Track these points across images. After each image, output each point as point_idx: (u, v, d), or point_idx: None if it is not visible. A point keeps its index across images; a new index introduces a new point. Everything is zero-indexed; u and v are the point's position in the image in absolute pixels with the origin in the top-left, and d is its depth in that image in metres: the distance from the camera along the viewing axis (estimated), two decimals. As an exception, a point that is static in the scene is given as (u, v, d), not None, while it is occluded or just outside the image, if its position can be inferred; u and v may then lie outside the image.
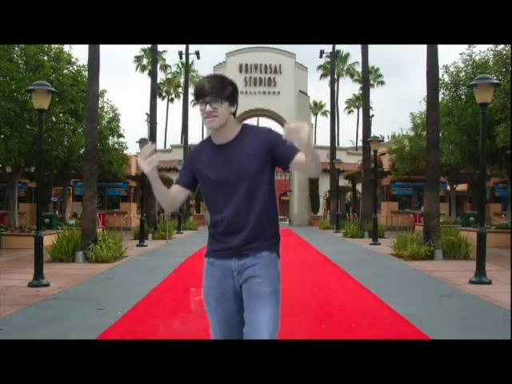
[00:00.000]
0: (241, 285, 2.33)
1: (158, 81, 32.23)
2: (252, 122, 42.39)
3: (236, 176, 2.33)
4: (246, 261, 2.34)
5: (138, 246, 16.40)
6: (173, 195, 2.50)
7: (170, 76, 55.73)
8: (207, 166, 2.40)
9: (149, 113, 23.55)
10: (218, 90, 2.29)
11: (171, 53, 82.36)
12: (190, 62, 36.13)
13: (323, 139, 70.15)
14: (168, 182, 34.45)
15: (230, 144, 2.38)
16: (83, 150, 15.00)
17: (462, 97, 18.32)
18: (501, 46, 15.67)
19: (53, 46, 16.88)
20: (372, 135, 20.62)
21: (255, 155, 2.32)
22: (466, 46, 17.48)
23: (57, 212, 27.36)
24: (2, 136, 15.45)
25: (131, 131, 34.05)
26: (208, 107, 2.28)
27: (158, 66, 34.75)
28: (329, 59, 38.57)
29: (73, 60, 17.94)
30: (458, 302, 7.22)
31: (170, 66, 55.49)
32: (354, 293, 7.91)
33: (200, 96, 2.31)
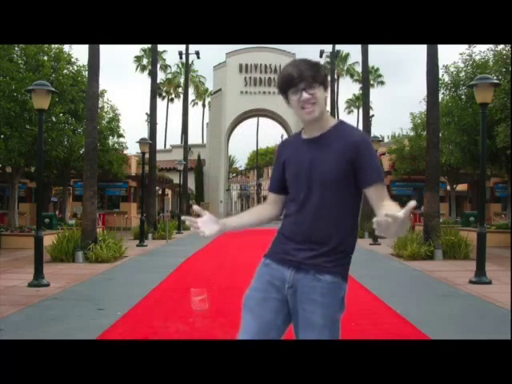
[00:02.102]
0: (288, 300, 2.04)
1: (158, 81, 32.23)
2: (252, 122, 42.52)
3: (313, 176, 2.07)
4: (302, 277, 2.04)
5: (138, 246, 16.40)
6: (264, 216, 2.27)
7: (170, 76, 55.73)
8: (289, 161, 2.18)
9: (149, 113, 23.55)
10: (312, 73, 2.02)
11: (171, 53, 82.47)
12: (190, 62, 36.11)
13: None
14: (168, 182, 34.47)
15: (317, 139, 2.12)
16: (83, 150, 14.99)
17: (462, 97, 18.31)
18: (501, 46, 15.66)
19: (53, 46, 16.87)
20: (372, 135, 20.61)
21: (338, 159, 2.04)
22: (466, 45, 17.48)
23: (57, 212, 27.35)
24: (2, 136, 15.44)
25: (131, 131, 34.08)
26: (304, 94, 2.01)
27: (158, 66, 34.74)
28: (329, 59, 38.55)
29: (73, 60, 17.94)
30: (458, 302, 7.22)
31: (170, 66, 55.53)
32: (354, 293, 7.91)
33: (290, 85, 2.03)
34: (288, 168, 2.17)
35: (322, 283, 2.01)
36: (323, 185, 2.05)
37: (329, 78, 2.11)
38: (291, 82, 2.00)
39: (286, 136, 35.98)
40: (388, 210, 1.78)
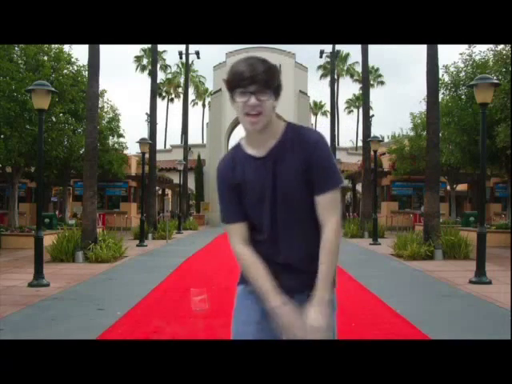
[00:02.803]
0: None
1: (158, 81, 32.24)
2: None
3: (278, 196, 1.86)
4: (297, 300, 1.87)
5: (138, 246, 16.40)
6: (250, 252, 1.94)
7: (170, 76, 55.76)
8: (245, 184, 1.89)
9: (149, 113, 23.55)
10: (267, 77, 1.78)
11: (171, 53, 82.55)
12: (190, 62, 36.13)
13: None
14: (168, 182, 34.49)
15: (271, 154, 1.87)
16: (83, 150, 15.00)
17: (462, 97, 18.31)
18: (501, 46, 15.67)
19: (53, 46, 16.88)
20: (372, 135, 20.62)
21: (299, 169, 1.84)
22: (466, 46, 17.49)
23: (57, 212, 27.37)
24: (2, 136, 15.45)
25: (131, 131, 34.13)
26: (252, 99, 1.76)
27: (158, 66, 34.75)
28: (329, 59, 38.55)
29: (73, 60, 17.96)
30: (458, 302, 7.22)
31: (170, 66, 55.57)
32: (354, 293, 7.91)
33: (239, 84, 1.78)
34: (245, 192, 1.89)
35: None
36: (291, 203, 1.86)
37: (282, 87, 1.88)
38: (241, 81, 1.77)
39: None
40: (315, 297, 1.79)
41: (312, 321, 1.75)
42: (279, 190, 1.85)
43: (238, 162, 1.91)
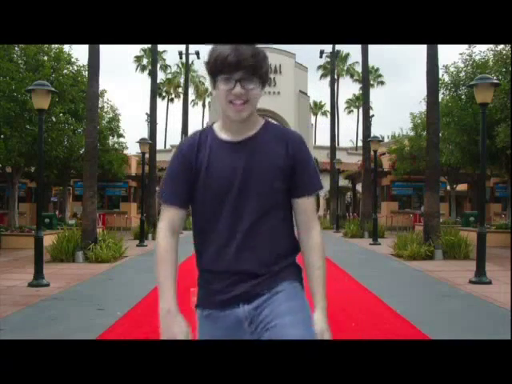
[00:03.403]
0: (253, 334, 1.71)
1: (158, 81, 32.22)
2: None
3: (248, 188, 1.69)
4: (260, 302, 1.69)
5: (138, 246, 16.40)
6: (176, 257, 1.85)
7: (170, 76, 55.76)
8: (211, 168, 1.70)
9: (149, 113, 23.55)
10: (255, 63, 1.63)
11: (171, 53, 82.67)
12: (190, 62, 36.12)
13: (323, 139, 70.20)
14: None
15: (247, 142, 1.72)
16: (83, 150, 15.01)
17: (462, 97, 18.32)
18: (501, 46, 15.67)
19: (53, 46, 16.89)
20: (372, 135, 20.63)
21: (276, 165, 1.71)
22: (466, 46, 17.50)
23: (57, 212, 27.36)
24: (2, 136, 15.46)
25: (131, 131, 34.11)
26: (238, 88, 1.62)
27: (158, 66, 34.73)
28: (329, 59, 38.55)
29: (73, 60, 17.97)
30: (458, 302, 7.22)
31: (170, 66, 55.58)
32: (354, 293, 7.91)
33: (223, 70, 1.62)
34: (208, 178, 1.70)
35: (282, 292, 1.70)
36: (262, 198, 1.69)
37: (269, 74, 1.75)
38: (225, 67, 1.60)
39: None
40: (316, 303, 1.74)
41: (320, 331, 1.70)
42: (250, 181, 1.68)
43: (204, 145, 1.73)
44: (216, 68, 1.64)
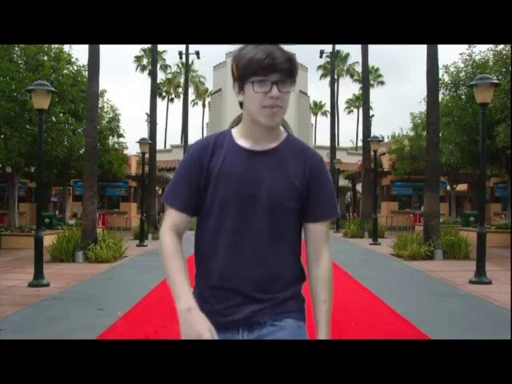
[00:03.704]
0: None
1: (158, 81, 32.25)
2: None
3: (261, 200, 1.58)
4: (260, 333, 1.61)
5: (138, 246, 16.41)
6: (179, 248, 1.67)
7: (170, 76, 55.76)
8: (223, 175, 1.59)
9: (149, 113, 23.56)
10: (290, 66, 1.58)
11: (171, 53, 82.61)
12: (190, 62, 36.13)
13: (323, 139, 70.24)
14: (168, 182, 34.84)
15: (266, 153, 1.61)
16: (83, 150, 15.01)
17: (462, 97, 18.33)
18: (501, 46, 15.68)
19: (53, 46, 16.89)
20: (372, 135, 20.63)
21: (295, 183, 1.60)
22: (466, 45, 17.51)
23: (57, 212, 27.36)
24: (2, 136, 15.46)
25: (131, 131, 34.12)
26: (275, 90, 1.52)
27: (158, 66, 34.76)
28: (329, 59, 38.55)
29: (73, 60, 17.97)
30: (458, 302, 7.22)
31: (170, 66, 55.57)
32: (354, 293, 7.91)
33: (257, 72, 1.52)
34: (218, 186, 1.59)
35: (286, 331, 1.61)
36: (271, 217, 1.58)
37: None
38: (261, 68, 1.51)
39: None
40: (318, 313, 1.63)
41: None
42: (263, 196, 1.57)
43: (220, 149, 1.62)
44: (250, 70, 1.53)
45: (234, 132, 1.66)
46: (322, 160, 1.67)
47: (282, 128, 1.67)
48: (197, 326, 1.51)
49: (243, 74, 1.55)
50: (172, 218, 1.66)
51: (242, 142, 1.62)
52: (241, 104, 1.63)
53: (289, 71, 1.56)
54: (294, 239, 1.66)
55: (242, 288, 1.59)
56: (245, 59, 1.55)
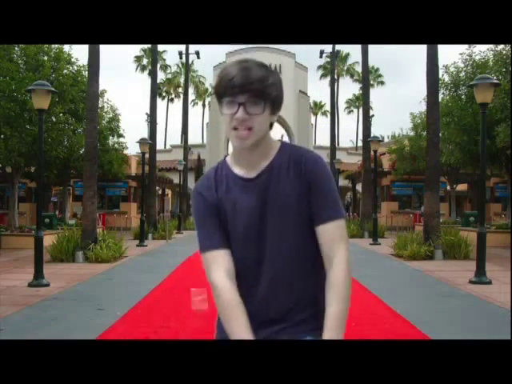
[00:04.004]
0: None
1: (158, 81, 32.25)
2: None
3: (268, 225, 1.56)
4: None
5: (138, 246, 16.41)
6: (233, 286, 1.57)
7: (170, 76, 55.76)
8: (230, 208, 1.57)
9: (149, 113, 23.56)
10: (262, 86, 1.47)
11: (171, 53, 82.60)
12: (190, 62, 36.12)
13: (323, 139, 70.22)
14: (168, 182, 34.50)
15: (259, 177, 1.57)
16: (83, 149, 15.02)
17: (462, 97, 18.33)
18: (501, 46, 15.69)
19: (53, 46, 16.89)
20: (372, 135, 20.63)
21: (296, 195, 1.55)
22: (466, 45, 17.51)
23: (57, 212, 27.37)
24: (2, 136, 15.46)
25: (131, 131, 34.15)
26: (240, 113, 1.46)
27: (158, 66, 34.77)
28: (329, 59, 38.54)
29: (73, 60, 17.97)
30: (458, 302, 7.22)
31: (170, 66, 55.56)
32: (354, 293, 7.89)
33: (229, 91, 1.47)
34: (230, 218, 1.58)
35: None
36: (283, 238, 1.56)
37: (282, 98, 1.58)
38: (229, 88, 1.46)
39: (286, 136, 35.93)
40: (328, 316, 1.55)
41: None
42: (269, 221, 1.55)
43: (221, 181, 1.61)
44: (221, 90, 1.49)
45: (229, 160, 1.64)
46: (317, 161, 1.59)
47: (272, 140, 1.61)
48: None
49: (217, 93, 1.52)
50: (218, 259, 1.57)
51: (238, 170, 1.60)
52: None
53: (259, 92, 1.46)
54: (315, 256, 1.59)
55: (262, 314, 1.58)
56: (219, 78, 1.51)
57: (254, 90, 1.45)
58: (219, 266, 1.56)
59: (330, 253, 1.56)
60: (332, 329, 1.56)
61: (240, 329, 1.54)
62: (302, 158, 1.57)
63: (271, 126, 1.59)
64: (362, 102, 26.04)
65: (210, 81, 55.15)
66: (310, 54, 44.88)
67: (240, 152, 1.57)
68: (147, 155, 18.83)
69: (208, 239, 1.58)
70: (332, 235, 1.57)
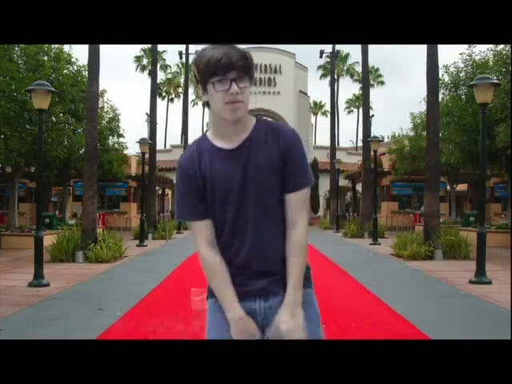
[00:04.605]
0: (265, 329, 1.79)
1: (158, 81, 32.25)
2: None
3: (248, 191, 1.75)
4: (274, 302, 1.78)
5: (138, 246, 16.41)
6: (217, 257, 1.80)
7: (170, 76, 55.74)
8: (213, 177, 1.76)
9: (149, 113, 23.56)
10: (245, 63, 1.68)
11: (171, 53, 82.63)
12: (190, 62, 36.10)
13: (323, 139, 70.22)
14: (168, 182, 34.42)
15: (240, 148, 1.76)
16: (83, 149, 15.01)
17: (462, 97, 18.32)
18: (501, 46, 15.68)
19: (53, 46, 16.88)
20: (372, 135, 20.63)
21: (274, 162, 1.75)
22: (466, 46, 17.50)
23: (57, 212, 27.36)
24: (2, 136, 15.46)
25: (131, 131, 34.13)
26: (234, 87, 1.65)
27: (158, 65, 34.77)
28: (329, 59, 38.55)
29: (73, 60, 17.96)
30: (458, 302, 7.22)
31: (170, 66, 55.54)
32: (354, 293, 7.91)
33: (216, 72, 1.66)
34: (212, 186, 1.76)
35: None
36: (262, 200, 1.75)
37: (254, 73, 1.78)
38: (219, 68, 1.64)
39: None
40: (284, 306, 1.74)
41: (283, 323, 1.72)
42: (249, 185, 1.74)
43: (203, 155, 1.79)
44: (209, 71, 1.66)
45: (209, 134, 1.83)
46: (293, 132, 1.79)
47: (248, 115, 1.79)
48: (250, 330, 1.75)
49: (204, 75, 1.69)
50: (199, 230, 1.81)
51: (218, 143, 1.79)
52: (206, 104, 1.77)
53: (245, 68, 1.68)
54: (282, 219, 1.80)
55: (252, 268, 1.78)
56: (204, 61, 1.68)
57: (240, 67, 1.66)
58: (203, 236, 1.79)
59: (295, 217, 1.77)
60: (298, 282, 1.77)
61: (222, 284, 1.77)
62: (278, 129, 1.78)
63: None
64: (362, 101, 26.03)
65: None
66: (310, 54, 44.88)
67: (222, 126, 1.76)
68: (147, 155, 18.83)
69: (191, 210, 1.79)
70: (298, 202, 1.78)
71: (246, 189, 1.75)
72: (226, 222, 1.78)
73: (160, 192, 36.09)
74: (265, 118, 1.87)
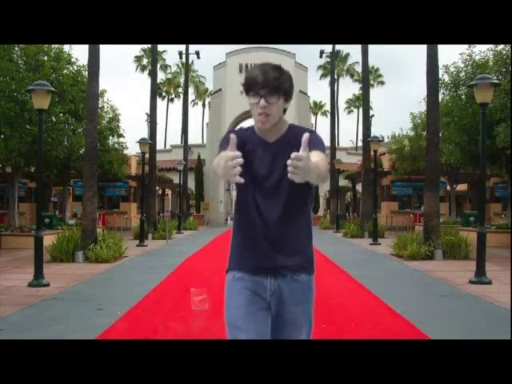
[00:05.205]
0: (271, 307, 2.06)
1: (158, 81, 32.27)
2: (252, 122, 42.46)
3: (276, 178, 2.05)
4: (282, 281, 2.08)
5: (138, 246, 16.40)
6: None
7: (170, 76, 55.76)
8: (249, 160, 2.03)
9: (149, 113, 23.56)
10: (277, 83, 2.00)
11: (171, 53, 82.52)
12: (190, 62, 36.14)
13: (323, 139, 70.02)
14: (168, 182, 34.45)
15: (277, 142, 2.10)
16: (83, 150, 15.00)
17: (462, 97, 18.32)
18: (501, 46, 15.67)
19: (53, 46, 16.87)
20: (372, 135, 20.63)
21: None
22: (466, 45, 17.50)
23: (57, 212, 27.36)
24: (2, 136, 15.45)
25: (131, 131, 34.08)
26: (262, 102, 1.98)
27: (158, 66, 34.78)
28: (329, 59, 38.56)
29: (73, 60, 17.94)
30: (458, 302, 7.22)
31: (170, 66, 55.56)
32: (354, 293, 7.91)
33: (252, 88, 2.01)
34: (255, 167, 2.07)
35: (300, 283, 2.12)
36: (287, 185, 2.00)
37: (293, 90, 2.08)
38: (254, 85, 1.99)
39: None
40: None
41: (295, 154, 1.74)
42: (279, 177, 2.03)
43: (248, 140, 2.09)
44: (247, 86, 2.02)
45: (255, 128, 2.14)
46: (313, 131, 2.10)
47: (286, 121, 2.13)
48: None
49: (245, 89, 2.05)
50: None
51: (260, 134, 2.11)
52: None
53: (275, 88, 1.99)
54: (308, 211, 2.15)
55: (275, 249, 2.07)
56: (246, 78, 2.05)
57: (270, 86, 1.98)
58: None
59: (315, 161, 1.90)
60: (315, 162, 1.86)
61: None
62: (303, 132, 1.94)
63: (285, 111, 2.10)
64: (362, 102, 26.04)
65: (210, 81, 55.19)
66: (310, 54, 44.89)
67: (260, 129, 2.09)
68: (147, 155, 18.82)
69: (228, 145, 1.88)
70: (317, 156, 1.96)
71: (276, 180, 2.04)
72: (255, 202, 2.07)
73: (160, 192, 36.13)
74: (296, 124, 2.21)
